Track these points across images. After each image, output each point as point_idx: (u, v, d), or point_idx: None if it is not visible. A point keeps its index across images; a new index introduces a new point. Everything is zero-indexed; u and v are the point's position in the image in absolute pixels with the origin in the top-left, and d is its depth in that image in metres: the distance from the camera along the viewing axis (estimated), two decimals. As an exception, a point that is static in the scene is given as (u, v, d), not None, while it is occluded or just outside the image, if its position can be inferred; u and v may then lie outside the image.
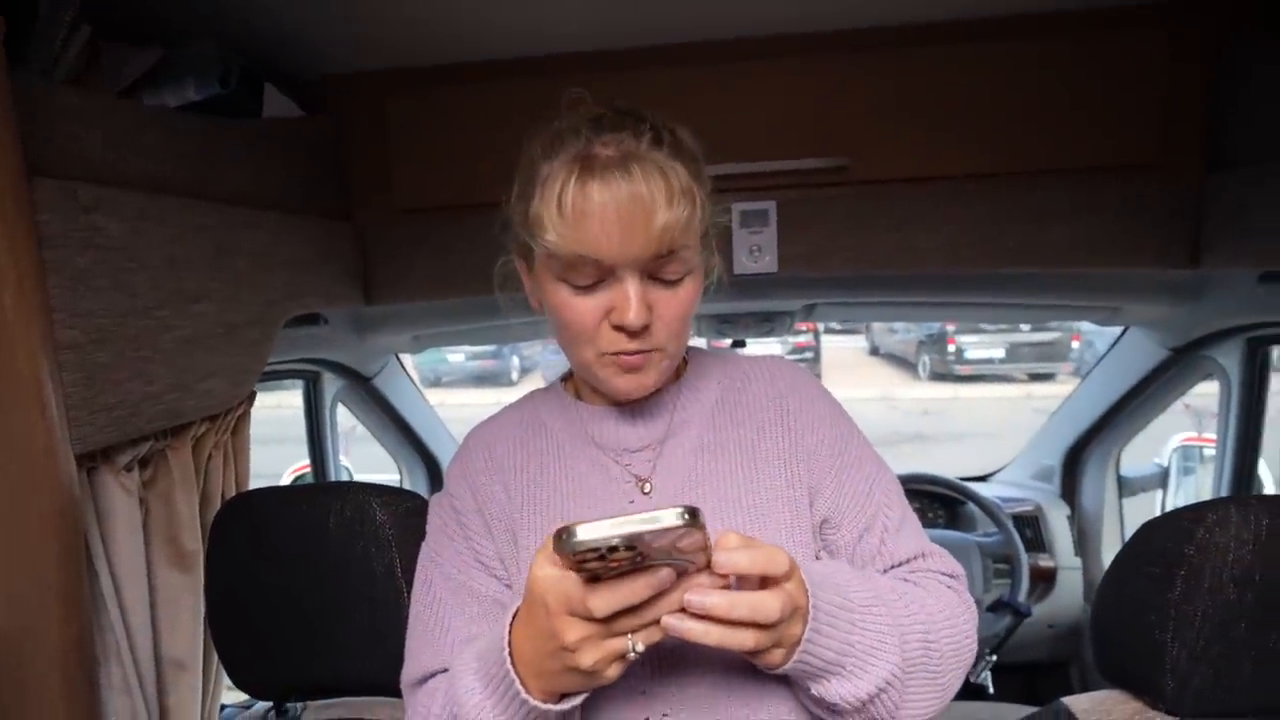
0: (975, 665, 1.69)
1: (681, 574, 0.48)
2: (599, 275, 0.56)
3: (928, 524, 1.95)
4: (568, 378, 0.72)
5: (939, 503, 1.97)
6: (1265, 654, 0.64)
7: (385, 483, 0.99)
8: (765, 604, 0.47)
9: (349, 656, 0.78)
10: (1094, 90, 1.08)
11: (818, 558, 0.65)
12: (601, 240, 0.54)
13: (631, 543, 0.43)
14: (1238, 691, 0.66)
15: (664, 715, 0.59)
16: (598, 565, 0.45)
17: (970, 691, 1.65)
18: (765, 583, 0.49)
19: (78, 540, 0.67)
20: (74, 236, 0.69)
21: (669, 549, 0.45)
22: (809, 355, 10.55)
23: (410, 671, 0.63)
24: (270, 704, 0.81)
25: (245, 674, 0.80)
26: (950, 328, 9.59)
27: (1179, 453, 2.10)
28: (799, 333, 10.22)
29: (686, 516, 0.42)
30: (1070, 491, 1.93)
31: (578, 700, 0.52)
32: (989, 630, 1.61)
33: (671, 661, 0.59)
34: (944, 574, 0.66)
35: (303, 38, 1.05)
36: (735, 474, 0.64)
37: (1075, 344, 9.08)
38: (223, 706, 1.00)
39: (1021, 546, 1.68)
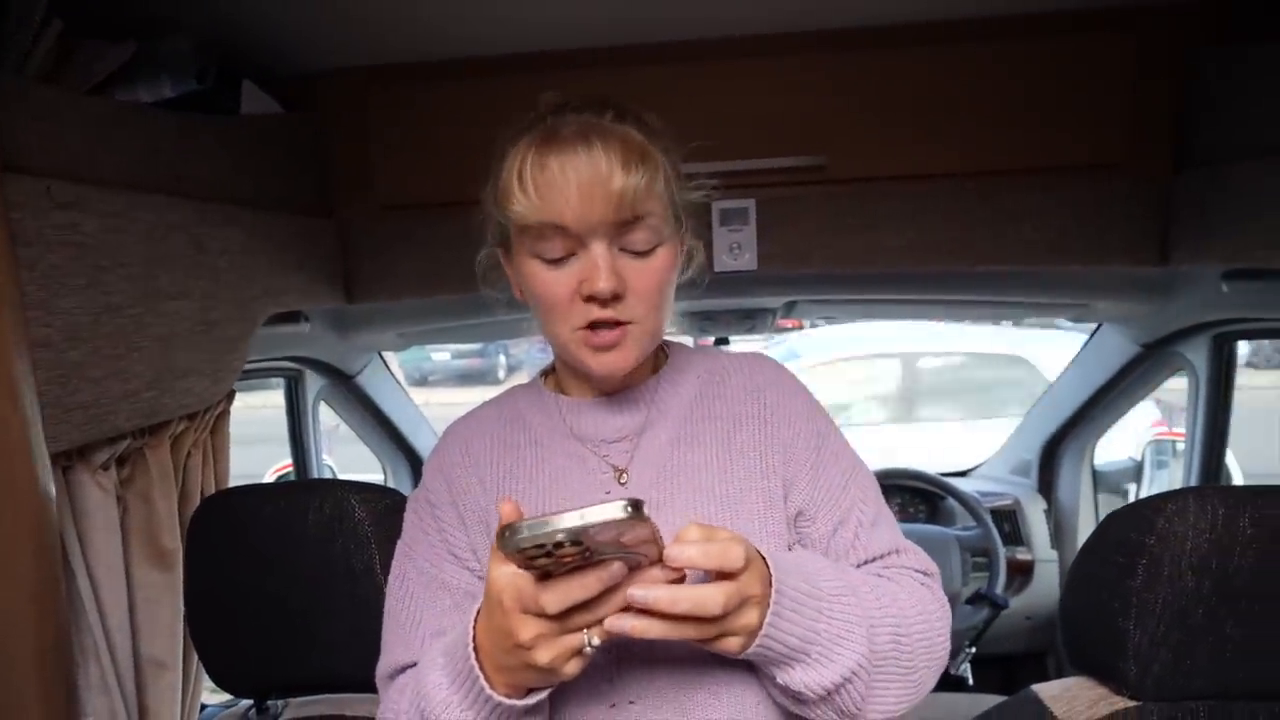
0: (954, 657, 1.72)
1: (634, 568, 0.48)
2: (568, 247, 0.57)
3: (908, 519, 1.98)
4: (549, 373, 0.73)
5: (920, 498, 2.00)
6: (1221, 640, 0.66)
7: (368, 481, 0.99)
8: (708, 598, 0.47)
9: (329, 653, 0.78)
10: (1064, 92, 1.10)
11: (791, 549, 0.65)
12: (563, 207, 0.55)
13: (577, 538, 0.42)
14: (1196, 676, 0.68)
15: (630, 703, 0.59)
16: (547, 562, 0.45)
17: (950, 683, 1.68)
18: (721, 574, 0.49)
19: (52, 540, 0.67)
20: (48, 234, 0.68)
21: (617, 543, 0.45)
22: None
23: (384, 665, 0.64)
24: (251, 702, 0.81)
25: (225, 672, 0.80)
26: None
27: (1152, 447, 2.15)
28: (784, 330, 10.27)
29: (629, 509, 0.41)
30: (1047, 485, 1.97)
31: (542, 695, 0.53)
32: (967, 622, 1.64)
33: (636, 650, 0.59)
34: (918, 571, 0.66)
35: (282, 34, 1.05)
36: (710, 465, 0.65)
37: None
38: (203, 706, 1.00)
39: (999, 540, 1.71)
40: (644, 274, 0.59)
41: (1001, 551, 1.69)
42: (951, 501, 1.87)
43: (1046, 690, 0.77)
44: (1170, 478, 2.08)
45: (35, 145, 0.69)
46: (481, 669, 0.52)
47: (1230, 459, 1.78)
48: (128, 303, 0.77)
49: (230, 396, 0.98)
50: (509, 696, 0.52)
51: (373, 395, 1.84)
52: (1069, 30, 1.08)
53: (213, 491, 0.91)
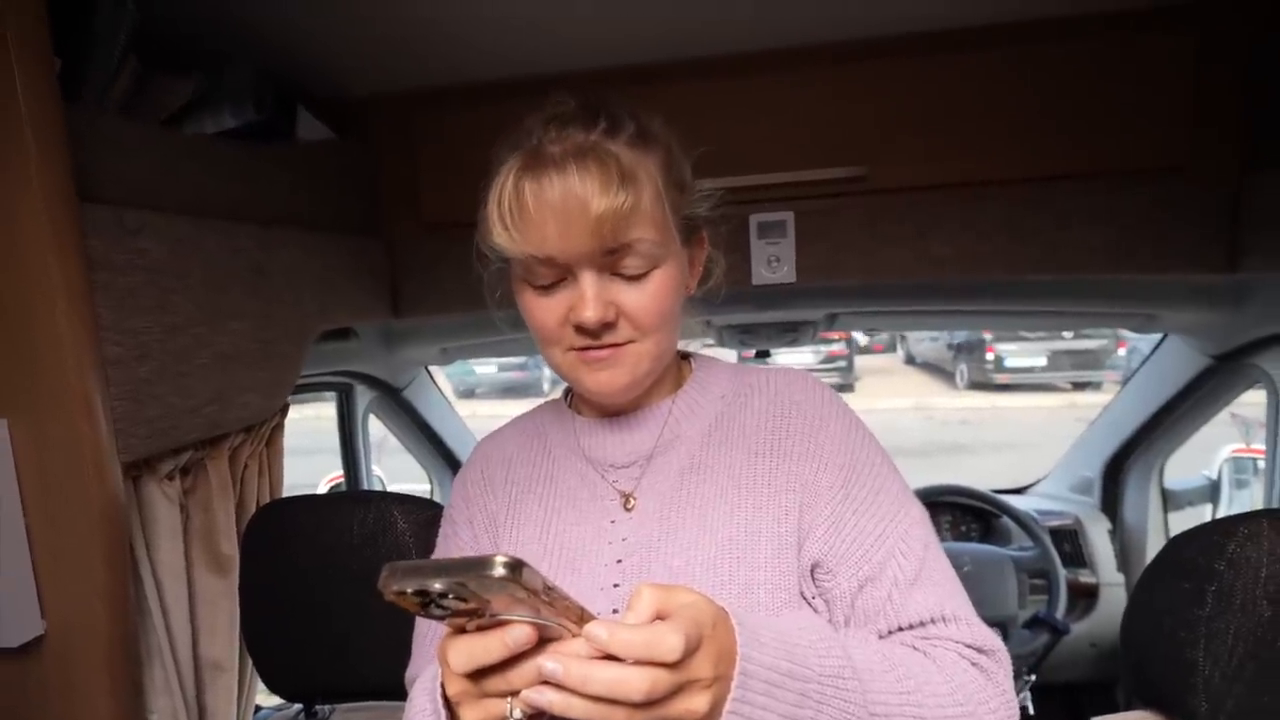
0: (1013, 683, 1.65)
1: (550, 639, 0.42)
2: (557, 275, 0.55)
3: (960, 537, 1.90)
4: (570, 389, 0.70)
5: (972, 515, 1.92)
6: None
7: (415, 493, 1.01)
8: (628, 682, 0.39)
9: (374, 662, 0.80)
10: (1120, 93, 1.05)
11: (811, 604, 0.57)
12: (542, 238, 0.52)
13: (455, 591, 0.37)
14: (1276, 715, 0.63)
15: None
16: (443, 614, 0.40)
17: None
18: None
19: (123, 545, 0.71)
20: (120, 259, 0.73)
21: (533, 606, 0.39)
22: (841, 364, 10.39)
23: (408, 673, 0.65)
24: (300, 706, 0.84)
25: (275, 675, 0.84)
26: (988, 335, 9.36)
27: (1230, 464, 2.01)
28: (830, 341, 10.08)
29: (502, 570, 0.36)
30: (1111, 504, 1.86)
31: None
32: (1025, 647, 1.56)
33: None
34: (969, 646, 0.55)
35: (333, 62, 1.10)
36: (718, 500, 0.59)
37: (1121, 351, 8.76)
38: (258, 708, 1.04)
39: (1058, 561, 1.63)
40: (639, 300, 0.55)
41: (1061, 573, 1.61)
42: (1006, 520, 1.79)
43: (1108, 723, 0.73)
44: (1251, 498, 1.94)
45: (110, 176, 0.75)
46: (446, 703, 0.48)
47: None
48: (191, 322, 0.82)
49: (284, 410, 1.02)
50: None
51: (419, 407, 1.89)
52: (1124, 29, 1.04)
53: (267, 500, 0.95)
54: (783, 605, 0.56)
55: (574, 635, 0.41)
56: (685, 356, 0.70)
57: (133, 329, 0.73)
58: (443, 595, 0.38)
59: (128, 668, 0.72)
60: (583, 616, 0.42)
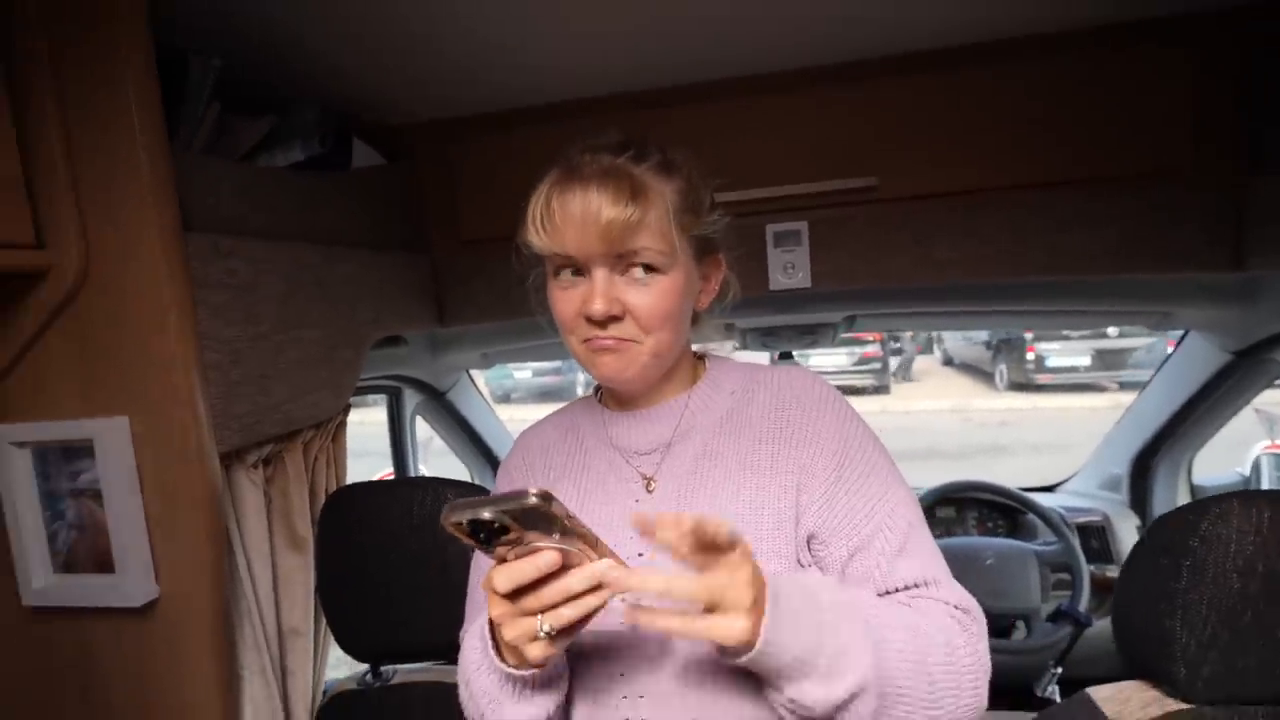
0: (1040, 678, 1.67)
1: (573, 565, 0.52)
2: (578, 272, 0.65)
3: (986, 533, 1.93)
4: (600, 386, 0.80)
5: (999, 512, 1.95)
6: (1274, 643, 0.67)
7: (463, 480, 1.12)
8: (648, 576, 0.51)
9: (432, 627, 0.91)
10: (1116, 103, 1.10)
11: (807, 571, 0.65)
12: (565, 240, 0.63)
13: (499, 519, 0.48)
14: (1249, 679, 0.68)
15: (640, 697, 0.64)
16: (488, 545, 0.51)
17: (1037, 704, 1.63)
18: (706, 563, 0.52)
19: (221, 524, 0.83)
20: (214, 278, 0.85)
21: (547, 532, 0.50)
22: (876, 366, 10.24)
23: (462, 632, 0.75)
24: (368, 667, 0.95)
25: (348, 639, 0.95)
26: (1028, 335, 9.14)
27: (1268, 459, 1.99)
28: (865, 342, 9.97)
29: (535, 499, 0.46)
30: (1140, 501, 1.87)
31: (534, 671, 0.59)
32: (1049, 639, 1.59)
33: (646, 648, 0.64)
34: (952, 605, 0.63)
35: (383, 95, 1.22)
36: (727, 482, 0.67)
37: (1170, 349, 8.45)
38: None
39: (1082, 555, 1.65)
40: (643, 300, 0.64)
41: (1085, 567, 1.63)
42: (1032, 516, 1.82)
43: (1099, 693, 0.78)
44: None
45: (204, 208, 0.87)
46: (495, 642, 0.60)
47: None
48: (271, 331, 0.94)
49: (347, 409, 1.14)
50: (515, 668, 0.59)
51: (461, 409, 2.02)
52: (1123, 41, 1.09)
53: (335, 488, 1.07)
54: (783, 570, 0.64)
55: (593, 560, 0.52)
56: (701, 357, 0.79)
57: (226, 338, 0.86)
58: (489, 524, 0.48)
59: (225, 630, 0.84)
60: (599, 547, 0.52)
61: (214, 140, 1.03)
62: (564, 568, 0.52)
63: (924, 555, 0.65)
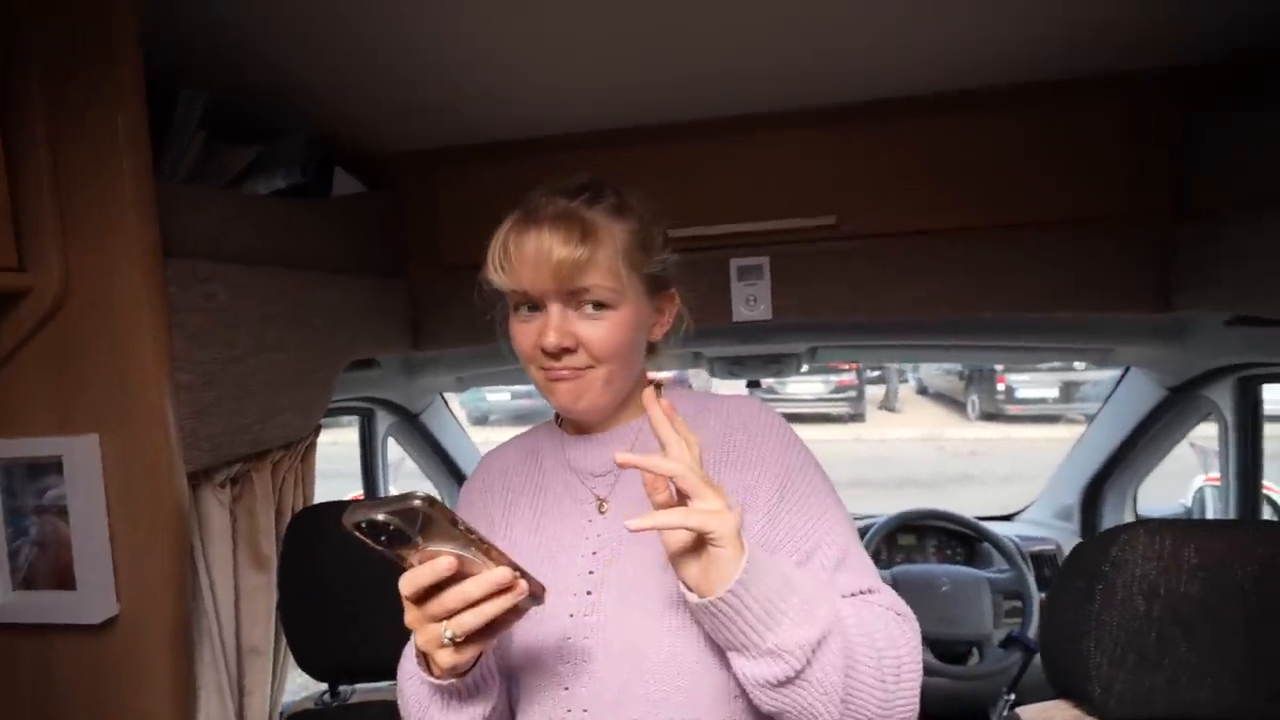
0: (994, 705, 1.71)
1: (471, 573, 0.54)
2: (534, 306, 0.70)
3: (945, 559, 1.98)
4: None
5: (958, 540, 2.01)
6: (1177, 662, 0.72)
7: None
8: (673, 514, 0.57)
9: (392, 647, 0.92)
10: (1062, 153, 1.19)
11: None
12: (520, 276, 0.68)
13: (392, 521, 0.50)
14: (1156, 696, 0.73)
15: (584, 710, 0.66)
16: (410, 553, 0.53)
17: (994, 730, 1.67)
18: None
19: (186, 542, 0.85)
20: (192, 302, 0.88)
21: (447, 541, 0.52)
22: (852, 394, 10.40)
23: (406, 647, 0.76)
24: (326, 686, 0.96)
25: (307, 658, 0.96)
26: (999, 366, 9.37)
27: (1210, 491, 2.09)
28: (841, 371, 10.13)
29: (419, 501, 0.50)
30: (1090, 530, 1.94)
31: (447, 682, 0.61)
32: (1000, 664, 1.63)
33: (590, 661, 0.67)
34: (889, 609, 0.67)
35: (366, 124, 1.27)
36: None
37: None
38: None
39: (1033, 583, 1.71)
40: (594, 332, 0.69)
41: (1035, 595, 1.69)
42: (988, 545, 1.88)
43: (1027, 712, 0.83)
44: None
45: (185, 234, 0.90)
46: (420, 650, 0.61)
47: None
48: (245, 354, 0.97)
49: (317, 430, 1.16)
50: (438, 679, 0.61)
51: (434, 431, 2.04)
52: (1069, 96, 1.17)
53: (301, 508, 1.09)
54: None
55: (489, 569, 0.54)
56: (658, 385, 0.83)
57: (201, 360, 0.88)
58: (385, 526, 0.51)
59: (185, 647, 0.85)
60: (496, 555, 0.54)
61: (199, 166, 1.07)
62: (464, 575, 0.54)
63: (860, 569, 0.70)
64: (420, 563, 0.54)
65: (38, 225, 0.79)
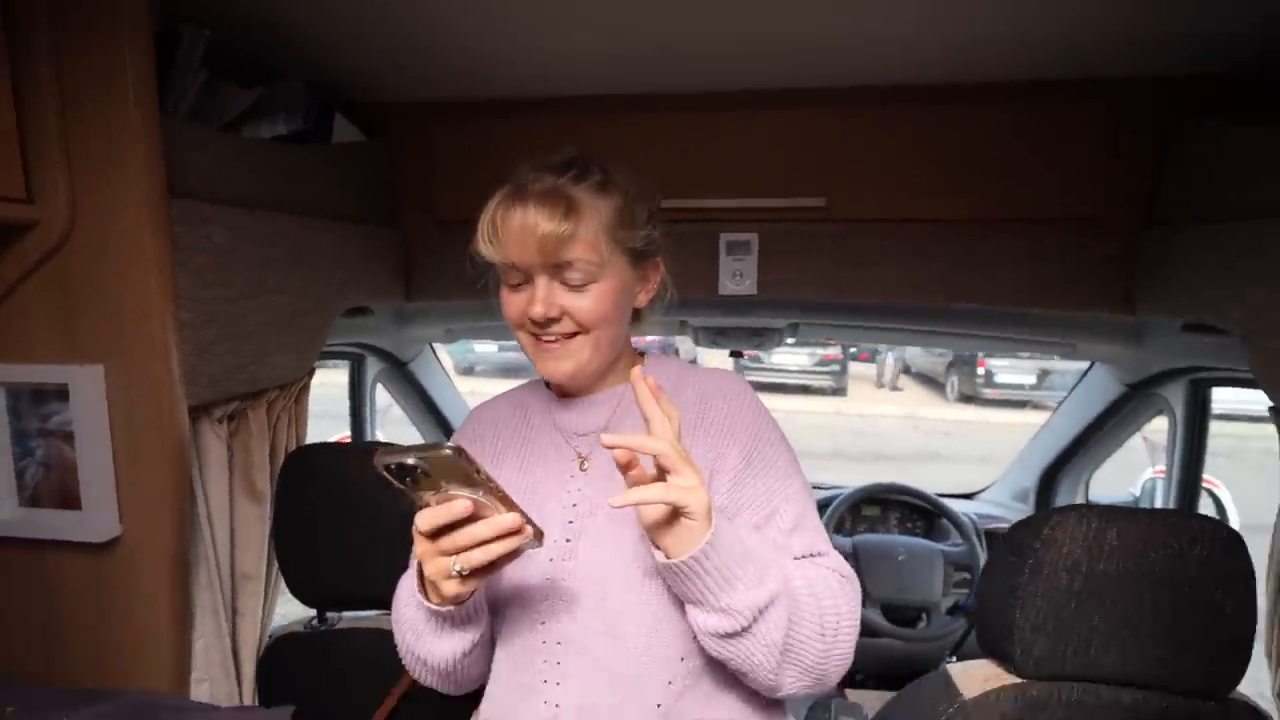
0: (936, 669, 1.84)
1: (484, 516, 0.60)
2: (521, 278, 0.74)
3: (905, 531, 2.09)
4: None
5: (918, 514, 2.11)
6: (1089, 631, 0.80)
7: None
8: (654, 489, 0.63)
9: (377, 579, 0.99)
10: (1041, 151, 1.22)
11: None
12: (507, 250, 0.72)
13: (421, 465, 0.56)
14: (1070, 660, 0.81)
15: (558, 643, 0.73)
16: (411, 488, 0.59)
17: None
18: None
19: (185, 471, 0.89)
20: (194, 242, 0.91)
21: (466, 487, 0.59)
22: (835, 368, 10.53)
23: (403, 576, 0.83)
24: (315, 613, 1.03)
25: (299, 585, 1.03)
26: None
27: (1158, 483, 2.20)
28: (826, 344, 10.23)
29: (449, 450, 0.56)
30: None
31: (451, 608, 0.68)
32: (945, 629, 1.75)
33: (566, 599, 0.74)
34: (835, 571, 0.74)
35: (367, 73, 1.27)
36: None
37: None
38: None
39: (983, 557, 1.81)
40: (578, 304, 0.73)
41: (983, 568, 1.79)
42: (946, 520, 1.98)
43: (954, 668, 0.92)
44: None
45: (189, 174, 0.92)
46: (422, 580, 0.69)
47: (1230, 502, 1.84)
48: (243, 295, 1.00)
49: (311, 373, 1.20)
50: (437, 605, 0.68)
51: (421, 380, 2.08)
52: (1054, 97, 1.20)
53: (294, 446, 1.14)
54: None
55: (501, 515, 0.61)
56: (641, 354, 0.88)
57: (202, 299, 0.91)
58: (412, 469, 0.57)
59: (181, 570, 0.91)
60: (509, 504, 0.61)
61: (199, 104, 1.07)
62: (477, 518, 0.61)
63: (813, 533, 0.77)
64: (438, 504, 0.61)
65: (45, 158, 0.81)
